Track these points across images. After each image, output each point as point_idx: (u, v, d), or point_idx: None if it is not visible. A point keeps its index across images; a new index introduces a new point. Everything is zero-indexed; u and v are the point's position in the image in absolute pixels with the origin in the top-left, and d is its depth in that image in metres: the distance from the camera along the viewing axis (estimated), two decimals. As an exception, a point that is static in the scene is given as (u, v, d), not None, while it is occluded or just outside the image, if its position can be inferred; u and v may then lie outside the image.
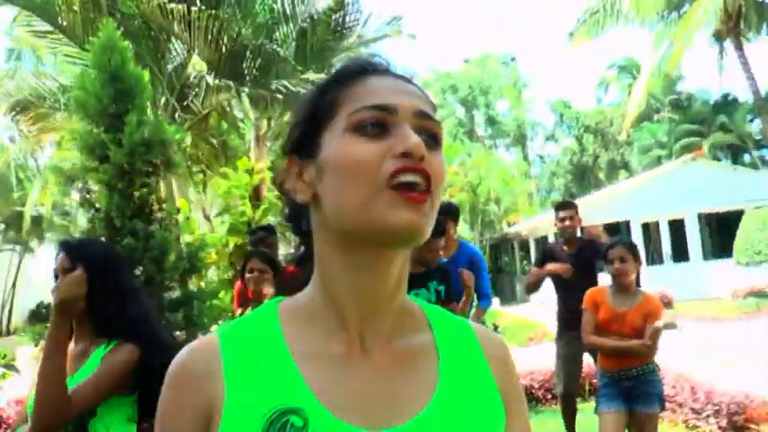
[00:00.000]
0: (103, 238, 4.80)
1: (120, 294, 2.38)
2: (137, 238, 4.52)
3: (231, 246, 8.00)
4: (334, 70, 0.94)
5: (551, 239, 22.90)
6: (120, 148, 4.66)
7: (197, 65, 8.54)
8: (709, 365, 5.85)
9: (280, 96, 8.27)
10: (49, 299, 28.62)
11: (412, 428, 0.87)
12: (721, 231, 22.30)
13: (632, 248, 4.31)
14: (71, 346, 2.31)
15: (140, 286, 4.65)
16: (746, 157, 37.96)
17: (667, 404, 6.72)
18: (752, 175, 24.26)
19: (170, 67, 8.49)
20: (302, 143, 0.92)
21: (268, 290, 4.12)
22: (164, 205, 4.94)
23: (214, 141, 10.96)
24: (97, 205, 4.74)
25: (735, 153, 36.97)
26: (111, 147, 4.66)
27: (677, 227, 23.04)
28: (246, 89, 8.02)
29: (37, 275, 34.31)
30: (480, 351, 0.99)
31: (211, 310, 5.05)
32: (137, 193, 4.77)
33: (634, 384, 4.20)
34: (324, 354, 0.91)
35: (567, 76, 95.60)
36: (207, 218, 11.03)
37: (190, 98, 8.50)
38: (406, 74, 0.95)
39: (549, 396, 7.66)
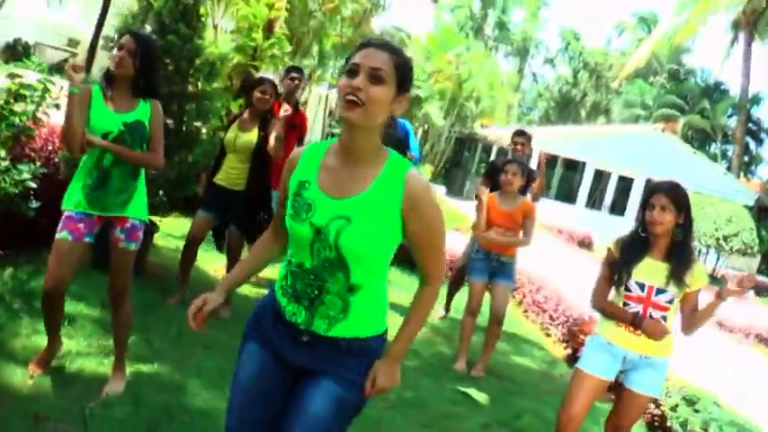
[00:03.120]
0: (149, 27, 5.90)
1: (156, 71, 3.76)
2: (178, 37, 5.64)
3: (234, 62, 9.14)
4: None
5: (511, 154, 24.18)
6: (181, -37, 5.70)
7: None
8: (584, 292, 7.09)
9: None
10: (25, 37, 28.14)
11: (341, 204, 2.01)
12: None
13: (522, 167, 5.67)
14: (116, 95, 3.59)
15: (169, 75, 5.83)
16: (713, 146, 39.42)
17: (535, 308, 8.30)
18: (705, 164, 25.68)
19: None
20: None
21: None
22: (202, 18, 6.04)
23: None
24: (152, 1, 5.81)
25: (703, 139, 38.27)
26: (174, -41, 5.70)
27: (626, 185, 24.62)
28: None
29: (17, 11, 34.25)
30: (402, 181, 2.01)
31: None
32: (183, 2, 5.81)
33: (499, 266, 5.68)
34: (331, 165, 2.09)
35: (589, 8, 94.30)
36: (215, 27, 11.90)
37: None
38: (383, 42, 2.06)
39: (449, 273, 9.17)
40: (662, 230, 3.46)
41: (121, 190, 3.60)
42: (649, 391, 3.62)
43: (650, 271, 3.50)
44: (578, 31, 52.84)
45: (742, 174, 35.32)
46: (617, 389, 3.80)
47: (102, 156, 3.55)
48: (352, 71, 1.97)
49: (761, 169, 41.93)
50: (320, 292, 2.07)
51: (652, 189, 3.53)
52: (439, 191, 24.23)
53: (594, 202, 25.23)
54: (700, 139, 37.86)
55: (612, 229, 23.14)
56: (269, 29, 9.32)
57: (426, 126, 31.98)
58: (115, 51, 3.52)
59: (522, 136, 6.96)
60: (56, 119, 5.70)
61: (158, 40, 5.69)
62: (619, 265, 3.55)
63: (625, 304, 3.55)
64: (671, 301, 3.51)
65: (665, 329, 3.49)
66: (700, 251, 19.85)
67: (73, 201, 3.58)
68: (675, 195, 3.47)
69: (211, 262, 6.62)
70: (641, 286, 3.51)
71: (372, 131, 2.03)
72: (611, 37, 51.80)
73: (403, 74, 2.02)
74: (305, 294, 2.09)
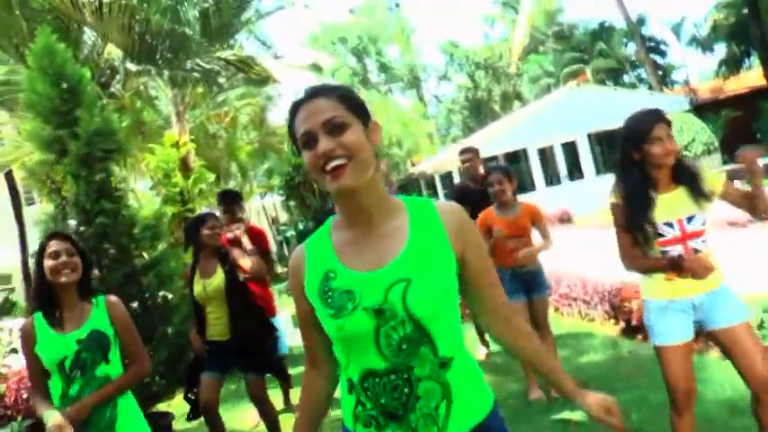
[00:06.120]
0: (72, 221, 5.52)
1: (91, 268, 3.29)
2: (107, 216, 5.27)
3: (169, 215, 8.75)
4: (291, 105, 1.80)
5: (456, 174, 24.18)
6: (77, 141, 5.34)
7: (112, 52, 8.96)
8: (599, 264, 6.85)
9: (196, 75, 8.87)
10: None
11: (389, 269, 1.69)
12: (610, 148, 23.78)
13: (506, 172, 5.34)
14: (64, 312, 3.11)
15: (114, 257, 5.45)
16: (626, 78, 40.15)
17: (564, 300, 7.95)
18: (630, 94, 26.09)
19: (84, 54, 8.88)
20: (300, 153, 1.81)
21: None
22: (120, 185, 5.69)
23: (128, 120, 11.34)
24: (64, 193, 5.45)
25: (615, 76, 38.92)
26: (69, 141, 5.34)
27: (570, 148, 24.66)
28: (167, 71, 8.57)
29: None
30: (436, 215, 1.77)
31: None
32: (97, 178, 5.45)
33: (530, 278, 5.29)
34: (345, 240, 1.79)
35: (453, 16, 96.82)
36: (132, 192, 11.53)
37: (112, 84, 8.94)
38: (317, 86, 1.77)
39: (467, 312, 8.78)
40: (674, 158, 3.15)
41: (99, 419, 3.05)
42: (741, 318, 3.22)
43: (669, 205, 3.17)
44: (454, 39, 54.02)
45: (664, 88, 36.00)
46: (712, 340, 3.41)
47: (68, 389, 3.04)
48: (308, 141, 1.69)
49: (676, 75, 42.74)
50: (411, 386, 1.69)
51: (646, 124, 3.17)
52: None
53: (552, 178, 25.15)
54: (613, 77, 38.46)
55: (580, 192, 23.26)
56: (185, 167, 9.04)
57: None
58: (49, 262, 3.06)
59: (467, 153, 6.75)
60: (20, 364, 5.25)
61: (87, 228, 5.36)
62: (635, 219, 3.18)
63: (663, 252, 3.20)
64: (704, 222, 3.19)
65: (709, 265, 3.10)
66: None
67: None
68: (668, 120, 3.18)
69: (239, 419, 6.13)
70: (670, 225, 3.16)
71: (374, 182, 1.75)
72: (486, 32, 52.88)
73: (356, 104, 1.75)
74: (395, 402, 1.69)
